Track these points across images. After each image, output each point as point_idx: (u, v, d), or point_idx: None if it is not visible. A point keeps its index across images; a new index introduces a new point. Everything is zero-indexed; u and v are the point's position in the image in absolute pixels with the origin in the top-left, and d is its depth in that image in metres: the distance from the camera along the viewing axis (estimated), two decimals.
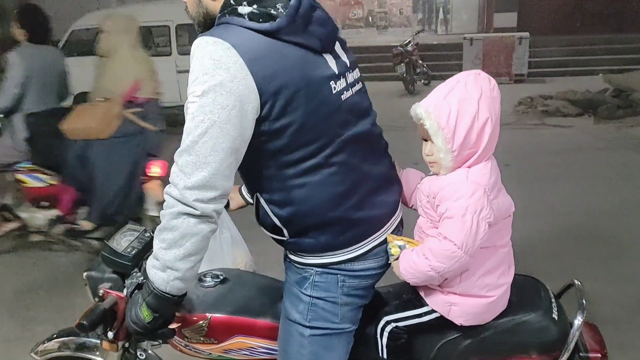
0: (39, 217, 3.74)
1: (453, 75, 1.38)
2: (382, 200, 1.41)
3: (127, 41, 3.46)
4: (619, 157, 5.90)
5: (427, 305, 1.42)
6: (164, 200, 1.23)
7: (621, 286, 3.21)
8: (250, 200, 1.50)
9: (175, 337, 1.51)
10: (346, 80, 1.35)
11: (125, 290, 1.46)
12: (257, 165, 1.30)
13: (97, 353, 1.67)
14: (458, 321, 1.40)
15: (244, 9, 1.23)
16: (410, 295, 1.47)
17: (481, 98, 1.31)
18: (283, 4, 1.24)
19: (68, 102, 3.95)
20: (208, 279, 1.60)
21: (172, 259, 1.23)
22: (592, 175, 5.26)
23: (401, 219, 1.49)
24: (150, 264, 1.28)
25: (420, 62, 10.60)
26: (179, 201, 1.20)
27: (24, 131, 3.58)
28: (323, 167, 1.28)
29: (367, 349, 1.48)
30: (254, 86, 1.18)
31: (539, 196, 4.70)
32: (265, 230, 1.42)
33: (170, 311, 1.34)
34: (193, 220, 1.20)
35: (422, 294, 1.44)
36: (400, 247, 1.38)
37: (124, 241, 1.52)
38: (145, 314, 1.30)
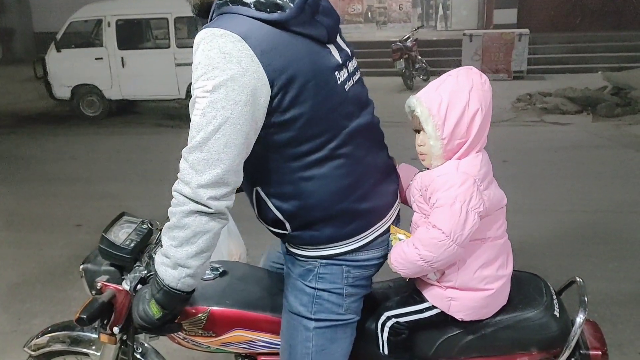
0: None
1: None
2: (384, 190, 1.41)
3: None
4: (617, 154, 5.90)
5: (428, 301, 1.41)
6: None
7: (619, 284, 3.21)
8: None
9: None
10: (347, 70, 1.34)
11: (126, 284, 1.44)
12: (262, 158, 1.28)
13: (93, 347, 1.65)
14: (458, 316, 1.39)
15: None
16: (412, 291, 1.47)
17: (472, 90, 1.33)
18: None
19: None
20: (207, 271, 1.58)
21: (183, 257, 1.21)
22: (590, 173, 5.26)
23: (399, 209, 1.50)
24: (160, 261, 1.26)
25: (420, 57, 10.56)
26: (191, 200, 1.17)
27: None
28: (329, 159, 1.28)
29: (367, 345, 1.47)
30: (265, 79, 1.16)
31: (537, 193, 4.70)
32: (265, 225, 1.40)
33: (179, 307, 1.33)
34: (205, 218, 1.19)
35: (421, 290, 1.43)
36: (400, 240, 1.38)
37: (121, 233, 1.51)
38: (154, 311, 1.28)
